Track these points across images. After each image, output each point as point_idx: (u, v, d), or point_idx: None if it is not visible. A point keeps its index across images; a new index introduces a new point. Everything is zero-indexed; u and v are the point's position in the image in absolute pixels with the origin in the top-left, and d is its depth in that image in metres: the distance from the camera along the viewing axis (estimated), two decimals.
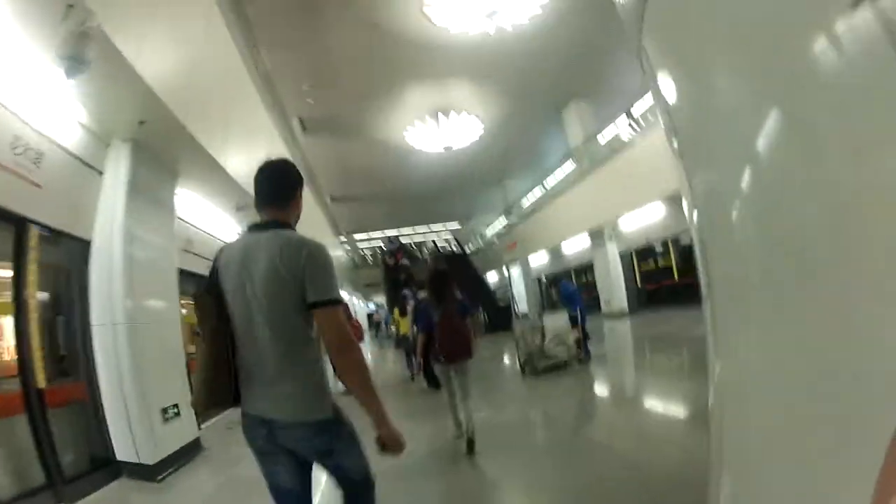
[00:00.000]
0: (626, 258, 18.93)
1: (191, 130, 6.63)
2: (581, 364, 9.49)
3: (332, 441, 1.83)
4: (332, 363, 1.83)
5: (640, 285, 18.48)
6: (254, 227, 1.96)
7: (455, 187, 29.70)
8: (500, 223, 33.03)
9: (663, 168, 14.39)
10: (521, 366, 9.68)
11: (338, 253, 29.74)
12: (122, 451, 5.50)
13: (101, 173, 6.09)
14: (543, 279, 28.68)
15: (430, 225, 40.05)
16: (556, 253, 24.97)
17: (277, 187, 2.06)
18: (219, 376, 1.81)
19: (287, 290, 1.77)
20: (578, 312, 9.77)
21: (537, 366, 9.21)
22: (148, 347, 5.92)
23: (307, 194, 10.83)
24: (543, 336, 9.58)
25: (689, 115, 1.39)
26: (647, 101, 18.07)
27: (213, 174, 8.33)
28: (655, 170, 14.79)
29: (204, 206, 9.60)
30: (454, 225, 40.42)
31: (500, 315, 23.10)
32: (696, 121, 1.36)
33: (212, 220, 10.08)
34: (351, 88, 17.04)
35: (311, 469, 1.93)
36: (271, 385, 1.79)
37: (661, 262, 17.06)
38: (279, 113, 14.09)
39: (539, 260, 29.87)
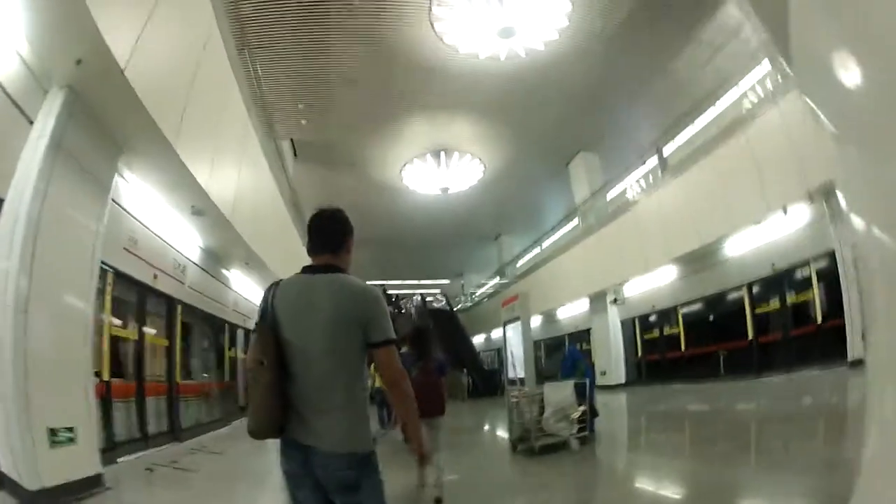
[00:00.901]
0: (626, 325, 17.34)
1: (144, 101, 5.50)
2: (583, 445, 7.69)
3: (362, 477, 1.90)
4: (388, 391, 2.07)
5: (640, 355, 16.80)
6: (311, 270, 2.08)
7: (449, 239, 28.40)
8: (491, 283, 31.61)
9: (674, 229, 13.34)
10: (511, 442, 7.90)
11: None
12: (6, 463, 4.65)
13: (31, 122, 5.18)
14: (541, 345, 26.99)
15: (420, 280, 38.44)
16: (549, 317, 23.36)
17: (334, 235, 2.17)
18: (281, 404, 1.90)
19: (351, 330, 1.91)
20: (587, 383, 8.13)
21: (533, 444, 7.40)
22: (41, 348, 4.77)
23: (293, 230, 12.45)
24: (542, 408, 7.84)
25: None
26: (652, 161, 17.13)
27: (169, 164, 6.93)
28: (666, 230, 14.06)
29: (154, 199, 8.05)
30: (444, 281, 38.85)
31: (485, 380, 21.28)
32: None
33: (162, 219, 8.53)
34: (348, 114, 15.85)
35: None
36: (323, 415, 1.89)
37: (667, 331, 15.52)
38: (265, 124, 12.82)
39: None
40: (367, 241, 28.85)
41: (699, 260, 13.69)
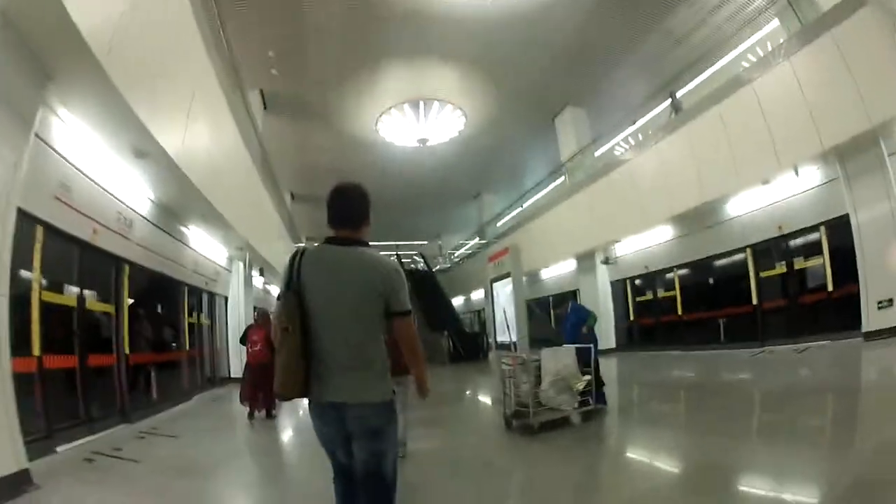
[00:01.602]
0: (617, 287, 16.55)
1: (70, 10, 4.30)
2: (588, 420, 6.81)
3: (385, 423, 2.15)
4: (405, 355, 2.32)
5: (632, 319, 16.07)
6: (334, 241, 2.27)
7: (428, 198, 27.24)
8: (471, 243, 30.66)
9: (675, 184, 12.25)
10: (505, 418, 6.96)
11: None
12: None
13: None
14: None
15: (397, 241, 37.21)
16: (531, 278, 22.53)
17: (356, 210, 2.32)
18: (304, 366, 2.08)
19: (374, 299, 2.14)
20: (591, 348, 7.18)
21: (531, 421, 6.44)
22: None
23: (260, 185, 13.52)
24: (540, 378, 6.86)
25: None
26: (648, 115, 16.17)
27: (102, 92, 5.60)
28: (666, 186, 13.03)
29: (91, 140, 6.72)
30: (422, 242, 37.75)
31: (468, 343, 20.43)
32: None
33: (101, 164, 7.20)
34: (321, 62, 14.34)
35: (350, 453, 2.18)
36: (348, 372, 2.11)
37: (662, 294, 14.76)
38: (230, 71, 11.29)
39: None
40: None
41: (699, 219, 12.84)
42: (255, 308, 14.10)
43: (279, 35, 13.05)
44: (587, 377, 6.94)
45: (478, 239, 29.12)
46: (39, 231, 5.94)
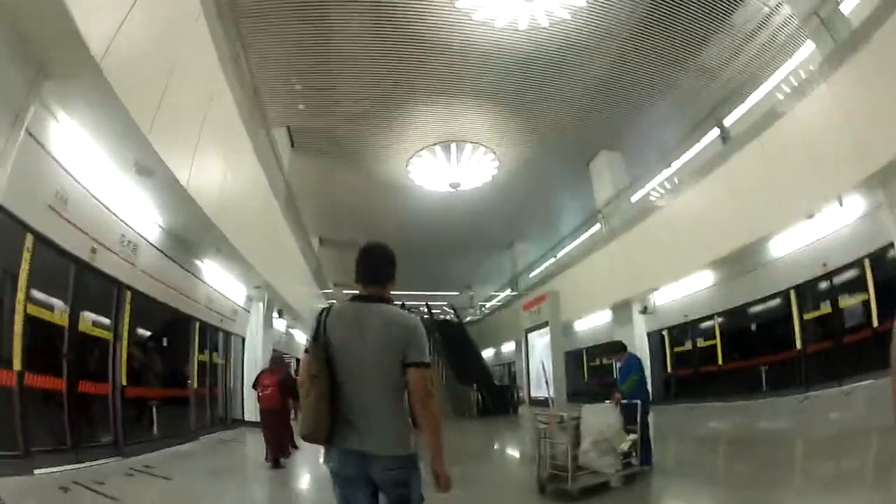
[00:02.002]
0: (654, 338, 15.49)
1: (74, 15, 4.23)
2: (633, 481, 5.91)
3: (410, 474, 2.24)
4: (415, 409, 2.26)
5: (670, 371, 14.91)
6: (360, 299, 2.42)
7: (459, 246, 26.77)
8: (502, 295, 29.87)
9: (714, 227, 11.41)
10: (539, 482, 6.12)
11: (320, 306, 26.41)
12: None
13: None
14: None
15: (427, 291, 36.60)
16: (565, 329, 21.51)
17: (383, 270, 2.47)
18: (329, 412, 2.21)
19: (396, 352, 2.24)
20: (640, 403, 6.40)
21: (570, 487, 5.61)
22: None
23: (283, 223, 13.67)
24: (579, 438, 6.08)
25: None
26: (684, 157, 15.50)
27: (105, 104, 5.46)
28: (704, 229, 12.27)
29: (92, 151, 6.49)
30: (452, 293, 37.07)
31: (497, 396, 19.43)
32: None
33: (104, 178, 6.93)
34: (350, 98, 14.40)
35: (377, 500, 2.28)
36: (374, 424, 2.22)
37: (700, 343, 13.68)
38: (252, 98, 11.35)
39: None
40: None
41: (738, 262, 11.92)
42: (273, 350, 13.68)
43: (306, 67, 13.10)
44: (633, 436, 6.12)
45: (510, 290, 28.37)
46: (29, 239, 5.64)
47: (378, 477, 2.20)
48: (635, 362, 7.30)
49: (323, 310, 2.41)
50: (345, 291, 35.93)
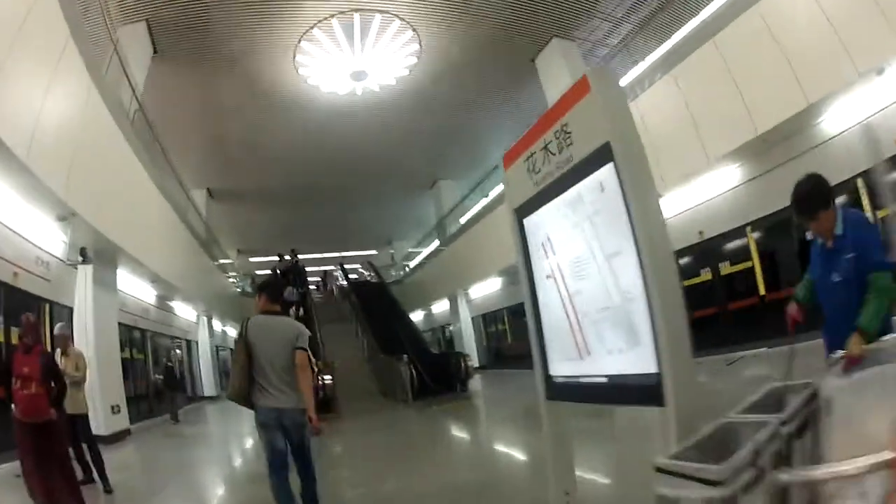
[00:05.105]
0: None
1: None
2: None
3: (304, 420, 3.57)
4: (298, 376, 3.60)
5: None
6: (266, 313, 3.76)
7: (373, 187, 21.92)
8: (427, 250, 25.53)
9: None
10: None
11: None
12: None
13: None
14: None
15: (341, 252, 31.36)
16: (514, 277, 17.49)
17: (279, 294, 4.12)
18: (248, 386, 3.55)
19: (290, 344, 3.60)
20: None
21: None
22: None
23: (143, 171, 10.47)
24: None
25: None
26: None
27: None
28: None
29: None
30: (371, 252, 32.20)
31: (435, 368, 14.73)
32: None
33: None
34: None
35: (287, 438, 3.57)
36: (281, 389, 3.53)
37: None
38: None
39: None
40: (269, 198, 22.00)
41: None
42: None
43: None
44: None
45: (437, 242, 23.96)
46: None
47: (287, 423, 3.52)
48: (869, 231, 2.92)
49: (245, 319, 3.75)
50: (252, 259, 30.15)
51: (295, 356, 3.56)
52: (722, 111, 8.42)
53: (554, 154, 2.98)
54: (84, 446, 5.71)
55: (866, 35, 6.45)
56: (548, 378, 3.29)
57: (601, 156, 2.56)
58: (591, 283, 2.76)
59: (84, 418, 5.85)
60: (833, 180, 6.32)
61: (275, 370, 3.52)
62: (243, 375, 3.50)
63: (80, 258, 9.06)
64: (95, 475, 5.64)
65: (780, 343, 7.29)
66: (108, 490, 5.55)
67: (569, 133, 2.84)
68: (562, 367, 3.17)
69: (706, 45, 8.54)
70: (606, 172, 2.54)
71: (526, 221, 3.44)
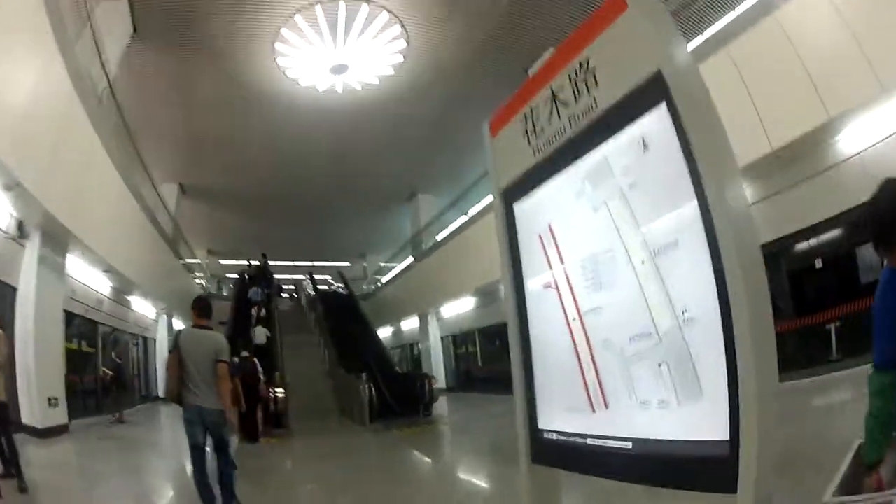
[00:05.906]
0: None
1: None
2: None
3: (223, 420, 4.11)
4: (218, 384, 4.11)
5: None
6: (195, 327, 4.30)
7: (350, 197, 21.10)
8: (401, 265, 24.59)
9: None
10: None
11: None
12: None
13: None
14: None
15: (314, 262, 30.19)
16: (488, 296, 16.60)
17: (209, 312, 4.50)
18: (179, 384, 4.06)
19: (213, 355, 4.10)
20: None
21: None
22: None
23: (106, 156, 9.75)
24: None
25: None
26: None
27: None
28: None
29: None
30: (344, 263, 31.05)
31: (399, 388, 13.60)
32: None
33: None
34: None
35: (208, 436, 4.12)
36: (204, 391, 4.03)
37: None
38: None
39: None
40: (244, 200, 20.98)
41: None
42: None
43: None
44: None
45: (411, 257, 23.01)
46: None
47: (209, 421, 4.04)
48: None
49: (178, 331, 4.72)
50: (223, 262, 28.88)
51: (217, 367, 4.13)
52: (732, 122, 7.73)
53: (567, 105, 2.12)
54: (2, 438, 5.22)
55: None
56: (534, 432, 2.36)
57: (646, 95, 1.72)
58: (617, 296, 1.88)
59: (2, 406, 5.28)
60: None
61: (200, 375, 4.08)
62: (176, 379, 4.10)
63: (17, 232, 8.22)
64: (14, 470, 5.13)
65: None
66: (22, 488, 4.97)
67: (592, 71, 1.98)
68: (558, 420, 2.26)
69: (719, 54, 7.89)
70: (654, 120, 1.71)
71: (517, 207, 2.56)
